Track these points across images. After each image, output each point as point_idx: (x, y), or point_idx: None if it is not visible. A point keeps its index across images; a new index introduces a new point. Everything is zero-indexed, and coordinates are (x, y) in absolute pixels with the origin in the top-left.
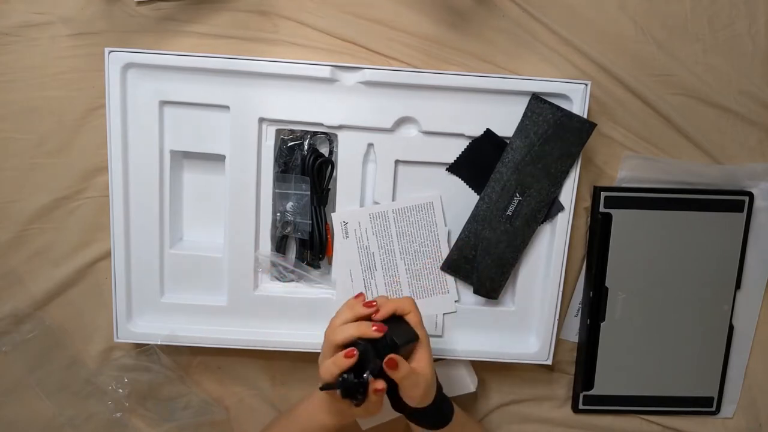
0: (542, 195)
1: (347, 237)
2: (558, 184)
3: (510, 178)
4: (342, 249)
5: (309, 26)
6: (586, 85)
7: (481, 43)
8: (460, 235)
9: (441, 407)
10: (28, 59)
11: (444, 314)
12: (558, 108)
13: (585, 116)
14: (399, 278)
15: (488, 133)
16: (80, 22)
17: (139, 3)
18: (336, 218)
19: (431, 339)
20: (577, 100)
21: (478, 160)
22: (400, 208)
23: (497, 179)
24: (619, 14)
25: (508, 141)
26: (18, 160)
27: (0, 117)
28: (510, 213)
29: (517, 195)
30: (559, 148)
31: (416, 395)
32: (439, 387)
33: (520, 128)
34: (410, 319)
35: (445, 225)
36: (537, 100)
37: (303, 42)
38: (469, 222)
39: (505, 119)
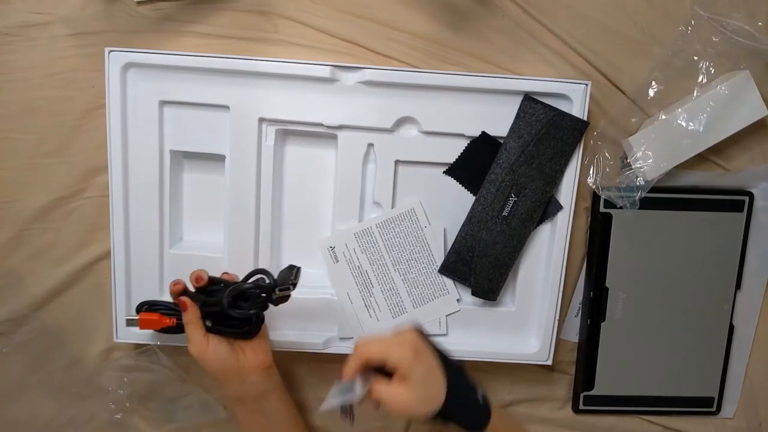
0: (537, 195)
1: (337, 261)
2: (553, 184)
3: (505, 179)
4: (335, 274)
5: (309, 26)
6: (586, 85)
7: (480, 43)
8: (456, 237)
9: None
10: (28, 59)
11: (447, 315)
12: (550, 108)
13: (585, 117)
14: (398, 290)
15: (484, 136)
16: (80, 22)
17: (139, 3)
18: (322, 245)
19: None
20: (577, 100)
21: (475, 163)
22: (383, 221)
23: (492, 180)
24: (619, 14)
25: (502, 142)
26: (18, 160)
27: (0, 117)
28: (506, 214)
29: (513, 196)
30: (553, 148)
31: None
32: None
33: (514, 129)
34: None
35: (429, 224)
36: (529, 100)
37: (303, 42)
38: (465, 224)
39: (505, 119)
